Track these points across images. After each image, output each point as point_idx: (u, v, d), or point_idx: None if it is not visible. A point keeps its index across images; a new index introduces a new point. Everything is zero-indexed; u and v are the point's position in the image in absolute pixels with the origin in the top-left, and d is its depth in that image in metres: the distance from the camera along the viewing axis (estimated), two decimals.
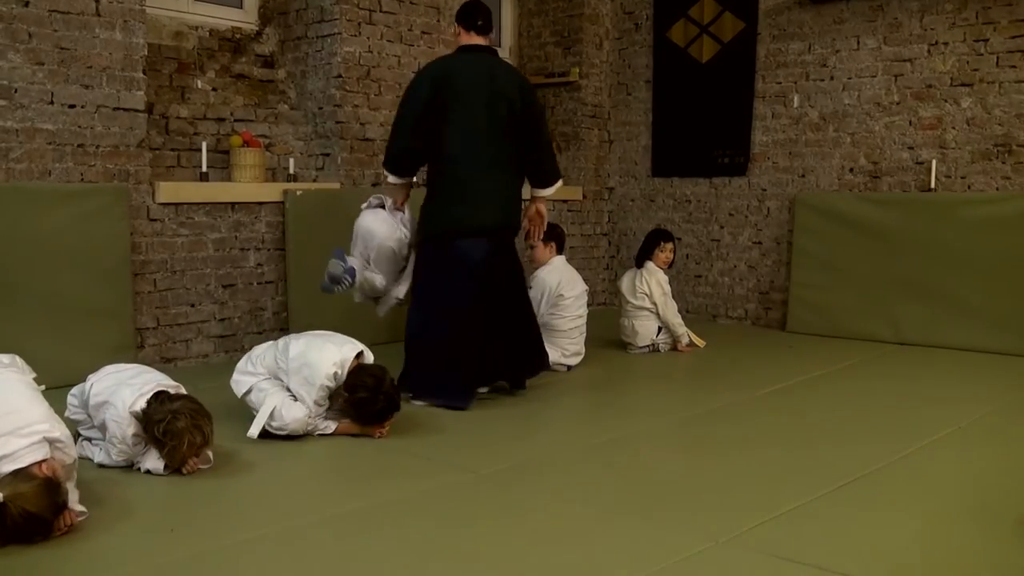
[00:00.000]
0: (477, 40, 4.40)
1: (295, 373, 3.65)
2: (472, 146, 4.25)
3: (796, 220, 6.64)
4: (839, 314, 6.37)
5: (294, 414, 3.63)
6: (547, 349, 4.85)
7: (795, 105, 6.76)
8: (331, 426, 3.73)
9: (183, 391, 3.26)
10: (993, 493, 3.15)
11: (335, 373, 3.61)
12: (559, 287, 5.20)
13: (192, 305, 5.17)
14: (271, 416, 3.63)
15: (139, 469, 3.22)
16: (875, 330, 6.20)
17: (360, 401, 3.63)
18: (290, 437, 3.65)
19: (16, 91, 4.41)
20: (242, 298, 5.38)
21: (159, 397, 3.14)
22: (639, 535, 2.75)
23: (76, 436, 3.32)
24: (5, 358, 2.99)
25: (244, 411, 3.81)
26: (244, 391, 3.77)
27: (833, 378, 5.11)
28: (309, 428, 3.68)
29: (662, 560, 2.57)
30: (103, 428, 3.22)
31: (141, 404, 3.12)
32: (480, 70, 4.30)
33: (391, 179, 4.48)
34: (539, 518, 2.90)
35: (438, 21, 6.29)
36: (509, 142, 4.34)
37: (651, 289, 5.70)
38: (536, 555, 2.61)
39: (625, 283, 5.83)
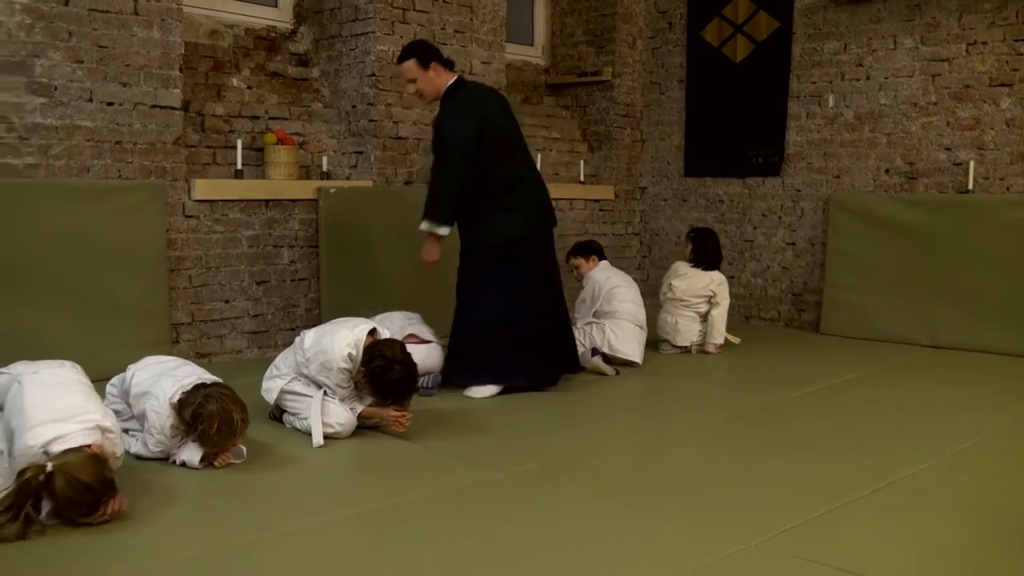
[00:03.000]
0: (454, 73, 4.57)
1: (312, 361, 3.70)
2: (524, 162, 4.69)
3: (831, 221, 6.58)
4: (873, 316, 6.30)
5: (338, 418, 3.66)
6: (606, 334, 5.19)
7: (830, 105, 6.69)
8: (357, 408, 3.74)
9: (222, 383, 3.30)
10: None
11: (350, 354, 3.63)
12: (608, 281, 5.41)
13: (226, 301, 5.22)
14: (324, 413, 3.66)
15: (174, 462, 3.26)
16: (910, 333, 6.13)
17: (376, 371, 3.62)
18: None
19: (56, 89, 4.48)
20: (275, 295, 5.42)
21: (197, 388, 3.19)
22: (670, 536, 2.74)
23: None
24: (67, 363, 3.09)
25: (266, 407, 3.86)
26: (275, 396, 3.81)
27: (866, 381, 5.06)
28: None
29: (693, 561, 2.55)
30: (142, 418, 3.27)
31: (179, 396, 3.17)
32: (489, 97, 4.68)
33: (443, 231, 4.45)
34: (570, 517, 2.89)
35: (471, 20, 6.31)
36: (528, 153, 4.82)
37: (720, 291, 5.69)
38: (566, 554, 2.60)
39: (683, 281, 5.77)
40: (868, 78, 6.51)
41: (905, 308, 6.17)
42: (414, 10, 5.94)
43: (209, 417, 3.10)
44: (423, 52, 4.48)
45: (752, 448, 3.71)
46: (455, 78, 4.52)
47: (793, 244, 6.95)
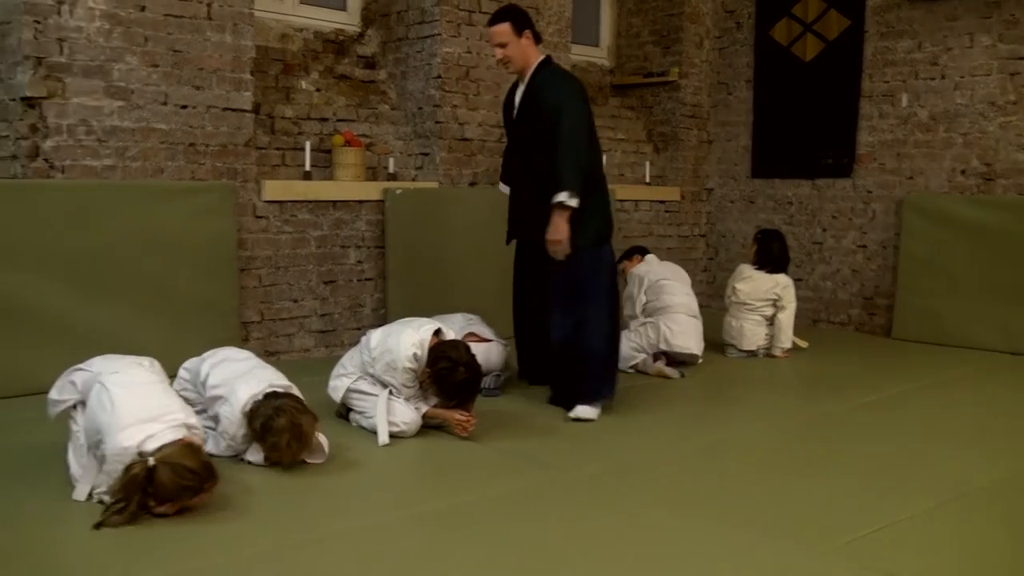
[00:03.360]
0: (541, 50, 4.31)
1: (378, 361, 3.73)
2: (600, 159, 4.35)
3: (904, 223, 6.43)
4: (948, 321, 6.14)
5: (404, 417, 3.70)
6: (661, 331, 5.11)
7: (904, 104, 6.54)
8: (422, 407, 3.76)
9: (294, 391, 3.34)
10: None
11: (415, 354, 3.64)
12: (651, 273, 5.35)
13: (295, 300, 5.30)
14: (389, 412, 3.69)
15: (243, 459, 3.32)
16: (986, 338, 5.95)
17: (441, 373, 3.63)
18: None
19: (133, 92, 4.60)
20: (342, 294, 5.49)
21: (269, 398, 3.23)
22: (734, 543, 2.70)
23: None
24: (145, 361, 3.14)
25: (333, 405, 3.91)
26: (341, 395, 3.86)
27: (940, 388, 4.93)
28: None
29: (759, 570, 2.52)
30: (216, 419, 3.34)
31: (252, 405, 3.22)
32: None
33: (575, 202, 3.97)
34: (633, 522, 2.87)
35: (536, 22, 6.28)
36: None
37: (786, 294, 5.61)
38: (628, 559, 2.59)
39: (747, 284, 5.70)
40: (943, 77, 6.35)
41: (981, 313, 5.99)
42: (480, 12, 5.97)
43: (279, 431, 3.15)
44: (519, 17, 4.23)
45: (818, 455, 3.64)
46: (545, 56, 4.29)
47: (864, 247, 6.81)
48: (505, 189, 4.55)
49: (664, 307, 5.21)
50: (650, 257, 5.55)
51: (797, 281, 7.00)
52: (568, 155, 3.96)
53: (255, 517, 2.84)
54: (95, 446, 2.79)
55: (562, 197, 3.93)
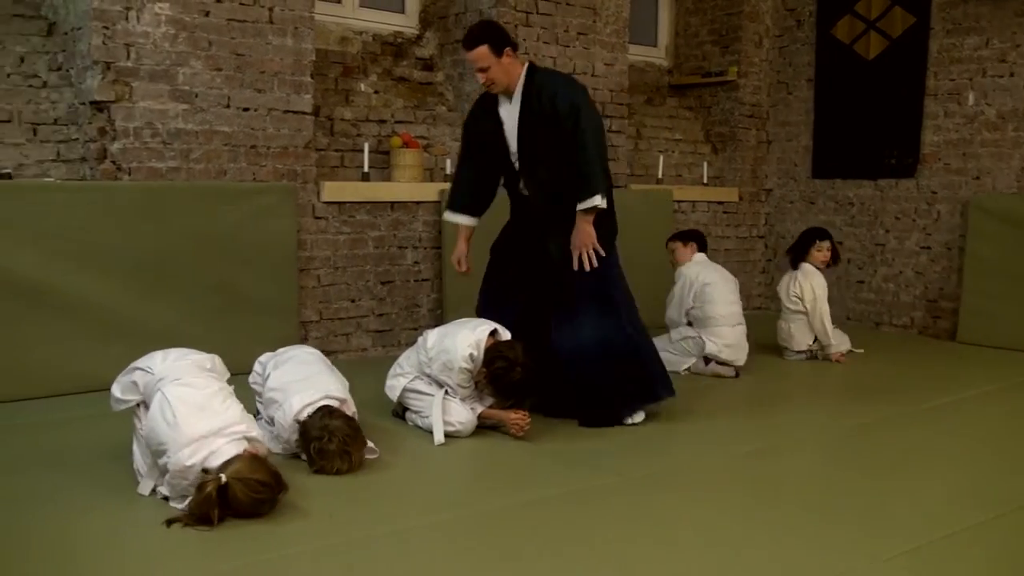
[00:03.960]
0: (521, 59, 4.06)
1: (435, 361, 3.76)
2: None
3: (970, 224, 6.28)
4: (1016, 325, 5.98)
5: (459, 417, 3.72)
6: (706, 346, 5.05)
7: (970, 103, 6.39)
8: (477, 408, 3.78)
9: (348, 406, 3.36)
10: None
11: (471, 355, 3.66)
12: (700, 277, 5.20)
13: (352, 300, 5.36)
14: (445, 412, 3.72)
15: (299, 457, 3.37)
16: None
17: (497, 373, 3.63)
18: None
19: (197, 96, 4.70)
20: (399, 294, 5.54)
21: (321, 411, 3.25)
22: (792, 550, 2.67)
23: (256, 414, 3.50)
24: (206, 361, 3.17)
25: (390, 404, 3.95)
26: (398, 394, 3.90)
27: (1006, 394, 4.81)
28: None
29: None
30: (271, 421, 3.41)
31: (304, 415, 3.26)
32: None
33: (604, 203, 3.85)
34: (687, 526, 2.86)
35: (594, 22, 6.29)
36: None
37: (803, 292, 5.52)
38: (681, 564, 2.57)
39: (781, 285, 5.68)
40: (1012, 75, 6.18)
41: None
42: (538, 13, 5.98)
43: (328, 456, 3.19)
44: (495, 36, 3.91)
45: (877, 461, 3.57)
46: (527, 64, 4.01)
47: (928, 248, 6.66)
48: (460, 219, 4.24)
49: (708, 317, 5.10)
50: (701, 257, 5.37)
51: (859, 283, 6.89)
52: (596, 155, 3.82)
53: (313, 514, 2.87)
54: (157, 455, 2.84)
55: (596, 200, 3.78)
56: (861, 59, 6.90)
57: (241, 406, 3.02)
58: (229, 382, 3.14)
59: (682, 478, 3.34)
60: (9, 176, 4.35)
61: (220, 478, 2.68)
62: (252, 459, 2.77)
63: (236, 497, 2.68)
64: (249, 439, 2.86)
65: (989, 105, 6.30)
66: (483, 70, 3.90)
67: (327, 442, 3.18)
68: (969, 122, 6.40)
